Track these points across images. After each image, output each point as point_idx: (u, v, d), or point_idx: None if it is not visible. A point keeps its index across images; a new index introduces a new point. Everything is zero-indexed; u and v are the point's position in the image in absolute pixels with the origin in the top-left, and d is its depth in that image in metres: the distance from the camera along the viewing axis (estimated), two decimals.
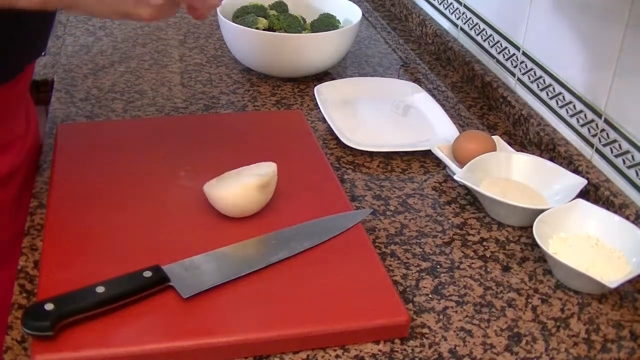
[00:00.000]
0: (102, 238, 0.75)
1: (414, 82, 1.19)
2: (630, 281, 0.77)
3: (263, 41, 1.13)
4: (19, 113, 0.91)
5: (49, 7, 0.69)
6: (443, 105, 1.11)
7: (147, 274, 0.68)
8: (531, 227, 0.80)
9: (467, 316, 0.73)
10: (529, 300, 0.76)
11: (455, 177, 0.89)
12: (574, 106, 0.99)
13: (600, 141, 0.94)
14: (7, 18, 0.73)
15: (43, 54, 1.24)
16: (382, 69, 1.26)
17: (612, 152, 0.92)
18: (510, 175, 0.92)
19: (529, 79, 1.10)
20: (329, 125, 1.03)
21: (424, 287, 0.76)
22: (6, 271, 0.86)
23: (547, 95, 1.06)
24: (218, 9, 1.19)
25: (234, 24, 1.15)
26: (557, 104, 1.03)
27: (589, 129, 0.96)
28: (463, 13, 1.30)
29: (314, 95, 1.09)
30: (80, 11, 0.70)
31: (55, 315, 0.62)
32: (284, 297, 0.69)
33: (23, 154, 0.91)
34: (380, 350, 0.67)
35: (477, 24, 1.25)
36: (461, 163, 0.93)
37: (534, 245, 0.83)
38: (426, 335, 0.70)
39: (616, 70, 0.90)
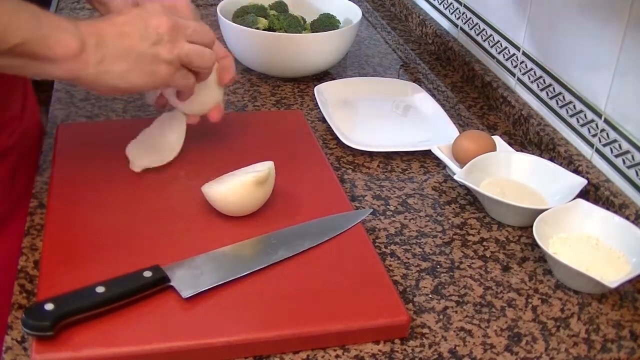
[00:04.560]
0: (102, 238, 0.75)
1: (414, 82, 1.19)
2: (630, 281, 0.77)
3: (263, 41, 1.13)
4: (14, 96, 0.92)
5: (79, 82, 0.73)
6: (443, 105, 1.11)
7: (147, 274, 0.68)
8: (531, 227, 0.80)
9: (467, 316, 0.73)
10: (529, 300, 0.76)
11: (455, 177, 0.89)
12: (574, 106, 0.99)
13: (600, 141, 0.94)
14: None
15: None
16: (382, 69, 1.26)
17: (612, 152, 0.92)
18: (510, 175, 0.92)
19: (529, 79, 1.10)
20: (329, 125, 1.03)
21: (424, 287, 0.76)
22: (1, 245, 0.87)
23: (547, 95, 1.06)
24: (218, 9, 1.19)
25: (234, 24, 1.15)
26: (557, 104, 1.03)
27: (589, 129, 0.96)
28: (463, 13, 1.30)
29: (314, 95, 1.09)
30: (110, 86, 0.74)
31: (55, 315, 0.62)
32: (284, 297, 0.69)
33: (17, 136, 0.92)
34: (380, 350, 0.67)
35: (477, 24, 1.25)
36: (461, 163, 0.93)
37: (534, 245, 0.83)
38: (426, 335, 0.70)
39: (616, 70, 0.90)
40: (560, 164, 0.95)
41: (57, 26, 0.68)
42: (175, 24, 0.75)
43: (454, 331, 0.71)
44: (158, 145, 0.88)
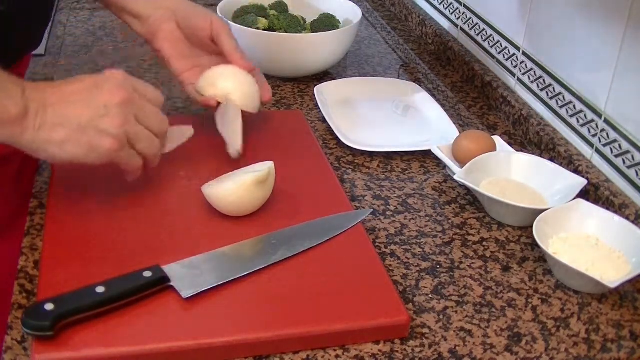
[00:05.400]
0: (102, 238, 0.75)
1: (414, 82, 1.19)
2: (630, 281, 0.77)
3: (263, 41, 1.13)
4: None
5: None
6: (443, 105, 1.11)
7: (147, 274, 0.68)
8: (531, 227, 0.80)
9: (467, 316, 0.73)
10: (529, 300, 0.76)
11: (455, 177, 0.89)
12: (574, 106, 0.99)
13: (600, 141, 0.94)
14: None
15: (43, 54, 1.24)
16: (382, 69, 1.26)
17: (612, 152, 0.92)
18: (510, 175, 0.92)
19: (529, 79, 1.10)
20: (329, 125, 1.03)
21: (424, 287, 0.76)
22: (5, 245, 0.87)
23: (547, 95, 1.06)
24: (218, 9, 1.19)
25: (234, 23, 1.15)
26: (557, 104, 1.03)
27: (589, 129, 0.96)
28: (463, 13, 1.30)
29: (314, 95, 1.09)
30: (48, 155, 0.71)
31: (55, 315, 0.62)
32: (284, 297, 0.69)
33: None
34: (380, 350, 0.67)
35: (477, 24, 1.25)
36: (461, 163, 0.93)
37: (534, 245, 0.83)
38: (426, 335, 0.70)
39: (616, 70, 0.90)
40: (560, 164, 0.95)
41: (1, 90, 0.67)
42: (128, 100, 0.72)
43: (454, 331, 0.71)
44: (233, 131, 0.89)
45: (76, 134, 0.70)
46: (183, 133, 0.85)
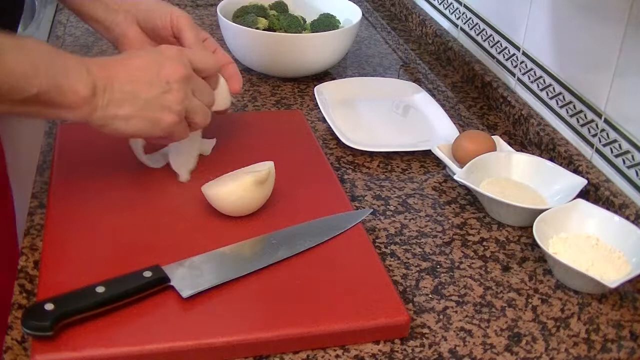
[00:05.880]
0: (102, 238, 0.75)
1: (414, 82, 1.19)
2: (630, 281, 0.77)
3: (263, 41, 1.13)
4: None
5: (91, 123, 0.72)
6: (443, 105, 1.11)
7: (147, 274, 0.68)
8: (531, 227, 0.80)
9: (467, 316, 0.73)
10: (529, 300, 0.76)
11: (455, 177, 0.89)
12: (574, 106, 0.99)
13: (600, 141, 0.94)
14: None
15: None
16: (382, 69, 1.26)
17: (612, 152, 0.92)
18: (510, 175, 0.92)
19: (529, 79, 1.10)
20: (329, 125, 1.03)
21: (424, 287, 0.76)
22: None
23: (547, 95, 1.06)
24: (218, 9, 1.19)
25: (234, 23, 1.15)
26: (557, 104, 1.03)
27: (589, 129, 0.96)
28: (463, 13, 1.30)
29: (314, 95, 1.09)
30: (113, 130, 0.73)
31: (55, 315, 0.62)
32: (284, 297, 0.69)
33: None
34: (380, 350, 0.67)
35: (477, 24, 1.25)
36: (461, 163, 0.93)
37: (534, 245, 0.83)
38: (426, 335, 0.70)
39: (616, 70, 0.90)
40: (560, 164, 0.95)
41: (71, 73, 0.68)
42: (188, 76, 0.75)
43: (454, 331, 0.71)
44: (187, 150, 0.87)
45: (141, 110, 0.73)
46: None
